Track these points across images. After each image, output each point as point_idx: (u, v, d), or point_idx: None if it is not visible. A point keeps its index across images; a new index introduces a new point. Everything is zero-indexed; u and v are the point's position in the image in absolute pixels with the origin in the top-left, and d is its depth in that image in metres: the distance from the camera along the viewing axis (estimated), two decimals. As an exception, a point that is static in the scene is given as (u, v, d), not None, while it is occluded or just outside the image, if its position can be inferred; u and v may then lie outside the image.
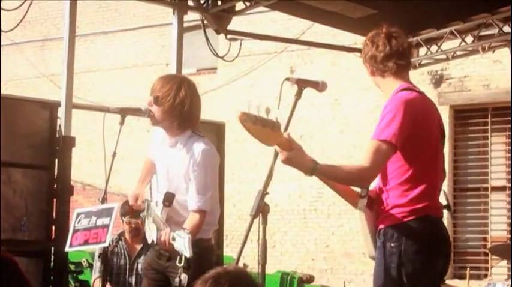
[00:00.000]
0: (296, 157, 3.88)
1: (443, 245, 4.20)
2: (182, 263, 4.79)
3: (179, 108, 4.93)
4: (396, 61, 4.27)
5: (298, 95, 4.14)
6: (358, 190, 4.22)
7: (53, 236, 6.37)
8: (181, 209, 4.98)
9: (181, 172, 4.96)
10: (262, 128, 3.69)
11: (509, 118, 12.66)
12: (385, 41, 4.28)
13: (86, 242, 4.67)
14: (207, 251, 5.03)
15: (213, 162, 5.02)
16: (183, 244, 4.65)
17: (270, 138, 3.77)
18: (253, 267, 3.70)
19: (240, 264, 3.86)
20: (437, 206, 4.22)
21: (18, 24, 7.25)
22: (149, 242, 5.03)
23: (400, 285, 4.05)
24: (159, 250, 5.04)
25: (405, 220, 4.08)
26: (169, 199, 4.87)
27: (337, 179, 4.12)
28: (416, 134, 4.10)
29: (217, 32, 8.40)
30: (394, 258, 4.06)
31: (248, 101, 3.68)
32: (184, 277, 4.78)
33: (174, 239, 4.73)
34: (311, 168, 3.93)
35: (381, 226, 4.14)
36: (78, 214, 4.76)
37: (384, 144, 4.02)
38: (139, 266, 7.25)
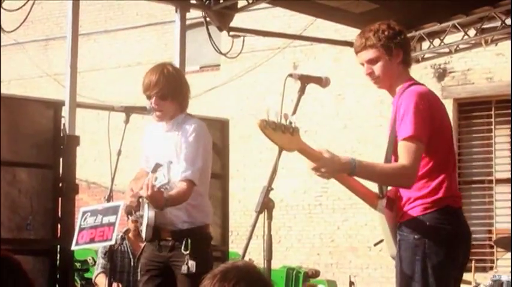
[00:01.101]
0: (328, 162, 3.89)
1: (465, 236, 4.21)
2: (188, 251, 4.81)
3: (181, 93, 5.03)
4: (405, 55, 4.30)
5: (302, 90, 4.15)
6: (376, 191, 4.22)
7: (59, 235, 6.39)
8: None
9: (173, 147, 4.99)
10: (282, 134, 3.74)
11: (513, 110, 12.68)
12: (399, 32, 4.30)
13: (92, 240, 4.68)
14: (208, 236, 5.06)
15: (204, 138, 5.04)
16: (162, 175, 4.63)
17: (291, 143, 3.80)
18: (259, 262, 3.71)
19: (246, 260, 3.88)
20: (457, 195, 4.24)
21: (20, 24, 7.26)
22: (143, 231, 4.97)
23: (426, 277, 4.04)
24: (159, 243, 5.04)
25: (427, 211, 4.08)
26: (157, 168, 4.85)
27: (378, 178, 4.11)
28: (434, 127, 4.12)
29: (220, 29, 8.42)
30: (419, 250, 4.06)
31: (267, 108, 3.70)
32: (192, 263, 4.79)
33: (156, 178, 4.71)
34: (350, 168, 3.93)
35: (403, 220, 4.14)
36: (84, 213, 4.78)
37: (414, 141, 4.04)
38: (144, 264, 7.26)
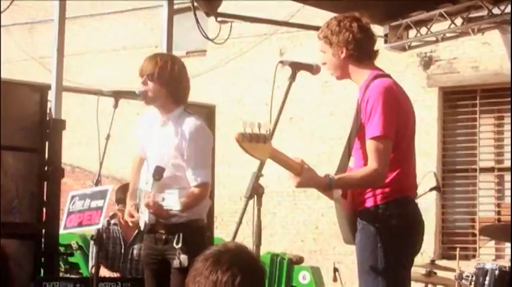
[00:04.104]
0: (309, 178, 4.07)
1: (421, 225, 4.34)
2: (179, 245, 4.83)
3: (173, 81, 5.01)
4: (371, 47, 4.38)
5: (293, 77, 4.21)
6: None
7: (44, 219, 6.38)
8: (171, 186, 4.99)
9: (172, 147, 4.98)
10: (256, 143, 3.83)
11: (498, 100, 12.72)
12: (360, 26, 4.36)
13: (80, 224, 4.71)
14: (202, 230, 5.07)
15: (207, 137, 5.06)
16: (172, 200, 4.67)
17: (263, 152, 3.90)
18: (244, 248, 3.74)
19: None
20: (414, 186, 4.39)
21: (7, 7, 7.22)
22: (141, 225, 5.03)
23: (388, 262, 4.18)
24: (155, 236, 5.06)
25: (387, 200, 4.22)
26: (158, 173, 4.88)
27: (353, 187, 4.27)
28: (400, 122, 4.23)
29: (208, 15, 8.40)
30: (381, 237, 4.17)
31: (242, 121, 3.82)
32: (184, 257, 4.82)
33: (163, 199, 4.75)
34: (328, 185, 4.11)
35: (362, 208, 4.24)
36: (73, 197, 4.79)
37: (382, 140, 4.14)
38: (135, 251, 7.26)
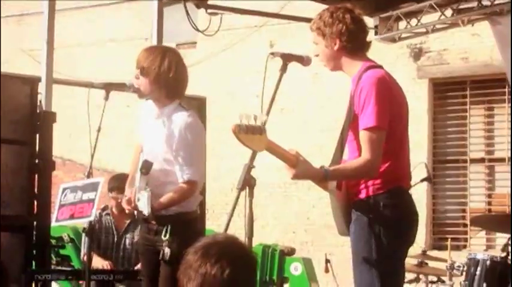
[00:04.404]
0: (304, 170, 4.09)
1: (415, 215, 4.36)
2: (166, 237, 4.84)
3: (165, 76, 4.97)
4: (363, 39, 4.39)
5: (283, 69, 4.23)
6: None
7: (35, 211, 6.36)
8: (161, 180, 5.00)
9: (163, 141, 4.98)
10: (252, 135, 3.86)
11: (488, 91, 12.75)
12: (353, 17, 4.37)
13: (71, 217, 4.71)
14: (193, 223, 5.07)
15: (198, 133, 5.05)
16: (143, 203, 4.71)
17: (259, 144, 3.93)
18: (236, 240, 3.74)
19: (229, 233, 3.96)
20: (408, 176, 4.41)
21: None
22: (144, 212, 5.00)
23: (383, 253, 4.18)
24: (148, 226, 5.08)
25: (381, 191, 4.22)
26: (146, 167, 4.89)
27: (348, 178, 4.28)
28: (393, 113, 4.24)
29: (198, 6, 8.38)
30: (375, 228, 4.19)
31: (239, 114, 3.84)
32: (167, 251, 4.83)
33: (138, 199, 4.78)
34: (323, 176, 4.13)
35: (357, 199, 4.25)
36: (64, 189, 4.79)
37: (376, 130, 4.15)
38: (127, 241, 7.28)
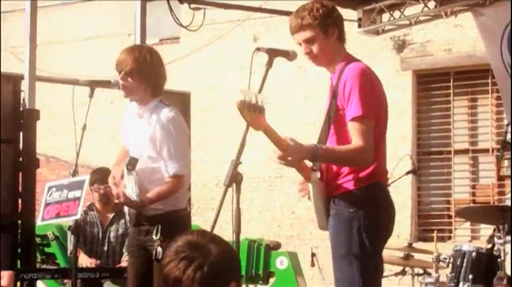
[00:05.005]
0: (296, 148, 4.04)
1: (393, 211, 4.38)
2: (158, 236, 4.84)
3: (152, 75, 4.99)
4: (340, 31, 4.40)
5: (269, 64, 4.23)
6: (310, 163, 4.30)
7: (20, 210, 6.33)
8: (147, 178, 5.00)
9: (146, 139, 4.98)
10: (253, 113, 3.88)
11: (471, 82, 12.79)
12: (336, 8, 4.39)
13: (57, 215, 4.69)
14: (183, 220, 5.07)
15: (181, 128, 5.05)
16: (130, 188, 4.70)
17: (258, 123, 3.94)
18: (222, 235, 3.73)
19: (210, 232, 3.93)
20: (386, 171, 4.40)
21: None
22: (131, 196, 4.98)
23: (363, 247, 4.20)
24: (139, 228, 5.07)
25: (360, 186, 4.23)
26: (131, 163, 4.89)
27: (339, 160, 4.25)
28: (376, 104, 4.24)
29: (181, 1, 8.35)
30: (355, 222, 4.20)
31: (244, 89, 3.90)
32: (160, 250, 4.83)
33: (125, 187, 4.78)
34: (314, 153, 4.08)
35: (336, 194, 4.25)
36: (50, 188, 4.77)
37: (364, 119, 4.15)
38: (112, 234, 7.32)
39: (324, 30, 4.31)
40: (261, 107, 3.89)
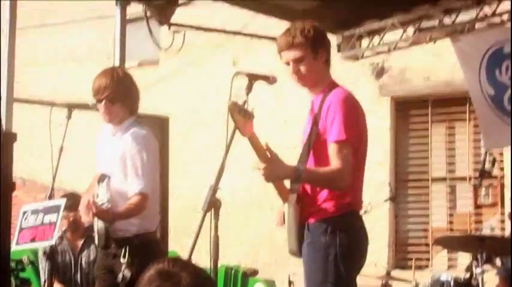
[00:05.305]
0: (277, 164, 4.06)
1: (367, 240, 4.37)
2: (125, 259, 4.78)
3: (130, 96, 5.03)
4: (328, 55, 4.41)
5: (249, 88, 4.23)
6: (288, 185, 4.29)
7: (-5, 234, 6.22)
8: (119, 199, 4.97)
9: (117, 157, 4.97)
10: (243, 118, 3.95)
11: (449, 109, 12.82)
12: (324, 32, 4.39)
13: (33, 240, 4.63)
14: (153, 244, 5.03)
15: (149, 146, 5.04)
16: (102, 193, 4.67)
17: (245, 129, 4.01)
18: (199, 262, 3.67)
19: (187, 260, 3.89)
20: (361, 200, 4.40)
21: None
22: (96, 239, 4.95)
23: (339, 276, 4.17)
24: (106, 251, 5.02)
25: (337, 214, 4.22)
26: (103, 179, 4.87)
27: (320, 182, 4.24)
28: (358, 131, 4.24)
29: (161, 23, 8.33)
30: (332, 250, 4.17)
31: (236, 95, 3.96)
32: (127, 272, 4.76)
33: (97, 196, 4.75)
34: (295, 175, 4.11)
35: (312, 220, 4.23)
36: (25, 212, 4.71)
37: (346, 145, 4.14)
38: (84, 260, 7.24)
39: (314, 51, 4.31)
40: (250, 113, 3.95)
